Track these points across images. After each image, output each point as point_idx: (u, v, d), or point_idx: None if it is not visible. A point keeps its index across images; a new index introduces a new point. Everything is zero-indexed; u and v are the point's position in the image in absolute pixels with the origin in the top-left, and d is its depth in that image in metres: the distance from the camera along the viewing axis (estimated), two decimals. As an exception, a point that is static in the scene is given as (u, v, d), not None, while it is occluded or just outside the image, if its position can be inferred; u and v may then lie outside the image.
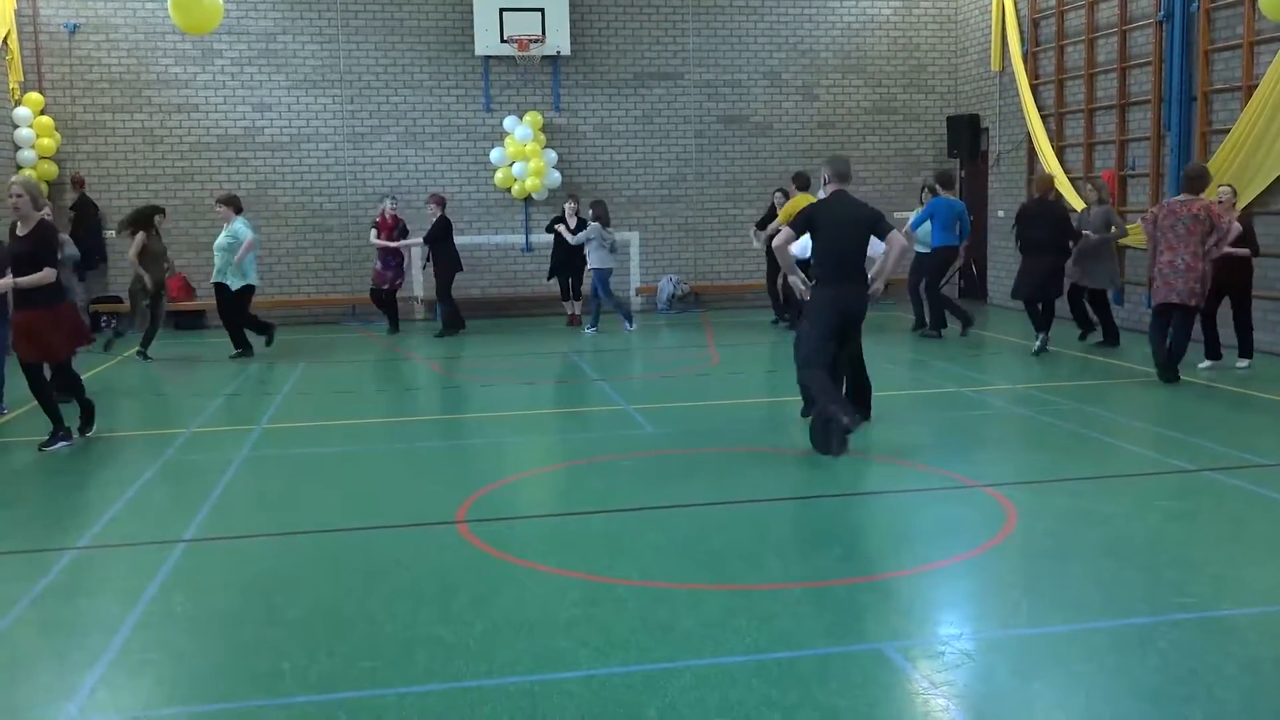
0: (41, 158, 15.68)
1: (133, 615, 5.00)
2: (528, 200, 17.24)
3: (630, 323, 15.11)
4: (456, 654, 4.50)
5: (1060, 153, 15.52)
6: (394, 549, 5.97)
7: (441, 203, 15.05)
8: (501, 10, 16.48)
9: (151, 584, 5.41)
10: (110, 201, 16.10)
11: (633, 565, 5.56)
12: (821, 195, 8.29)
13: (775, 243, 8.03)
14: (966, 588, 5.30)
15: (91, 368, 10.76)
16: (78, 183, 15.87)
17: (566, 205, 15.61)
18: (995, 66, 17.22)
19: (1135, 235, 12.82)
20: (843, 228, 7.90)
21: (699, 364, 12.44)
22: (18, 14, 15.57)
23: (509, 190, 17.15)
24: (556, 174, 17.03)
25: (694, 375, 11.69)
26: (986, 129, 17.81)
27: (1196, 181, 10.21)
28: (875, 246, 8.31)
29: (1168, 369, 10.22)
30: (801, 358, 8.14)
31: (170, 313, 16.34)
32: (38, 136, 15.60)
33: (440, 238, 14.84)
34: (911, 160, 18.49)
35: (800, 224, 7.98)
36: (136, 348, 13.26)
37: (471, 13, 16.65)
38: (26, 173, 15.51)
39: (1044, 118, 15.90)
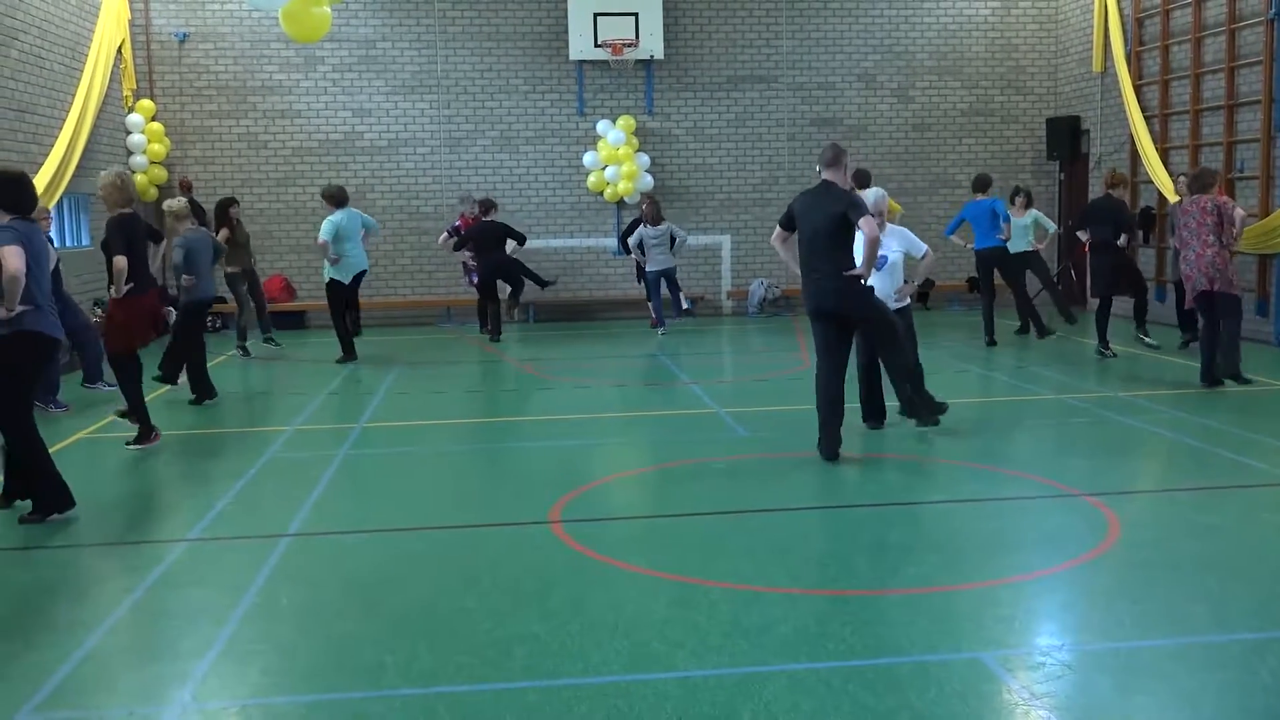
0: (152, 162, 16.22)
1: (240, 607, 5.16)
2: (620, 204, 17.33)
3: (664, 326, 15.16)
4: (552, 652, 4.56)
5: (1164, 155, 15.13)
6: (490, 547, 6.06)
7: (485, 207, 14.91)
8: (596, 15, 16.61)
9: (258, 577, 5.57)
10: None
11: (727, 568, 5.57)
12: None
13: (772, 240, 8.02)
14: (1068, 598, 5.21)
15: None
16: (185, 186, 16.36)
17: (644, 209, 15.71)
18: (1097, 67, 16.85)
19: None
20: (810, 219, 7.56)
21: (790, 367, 12.38)
22: (131, 24, 16.13)
23: (601, 194, 17.26)
24: (649, 177, 17.10)
25: (785, 379, 11.64)
26: (1087, 131, 17.44)
27: (1198, 182, 10.49)
28: (915, 247, 8.41)
29: (1206, 373, 10.28)
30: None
31: (270, 312, 16.79)
32: (149, 142, 16.15)
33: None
34: (1009, 163, 18.17)
35: (785, 218, 7.82)
36: (264, 337, 13.77)
37: (566, 17, 16.81)
38: (138, 178, 16.04)
39: (1148, 119, 15.51)
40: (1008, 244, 13.55)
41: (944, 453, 8.11)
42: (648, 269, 14.88)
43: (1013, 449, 8.35)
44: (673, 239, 14.81)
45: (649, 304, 15.48)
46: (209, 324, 15.72)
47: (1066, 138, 17.46)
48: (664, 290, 15.09)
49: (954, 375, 11.71)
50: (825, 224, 7.51)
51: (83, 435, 9.11)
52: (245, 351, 13.58)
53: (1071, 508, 6.60)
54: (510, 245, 14.72)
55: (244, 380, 12.18)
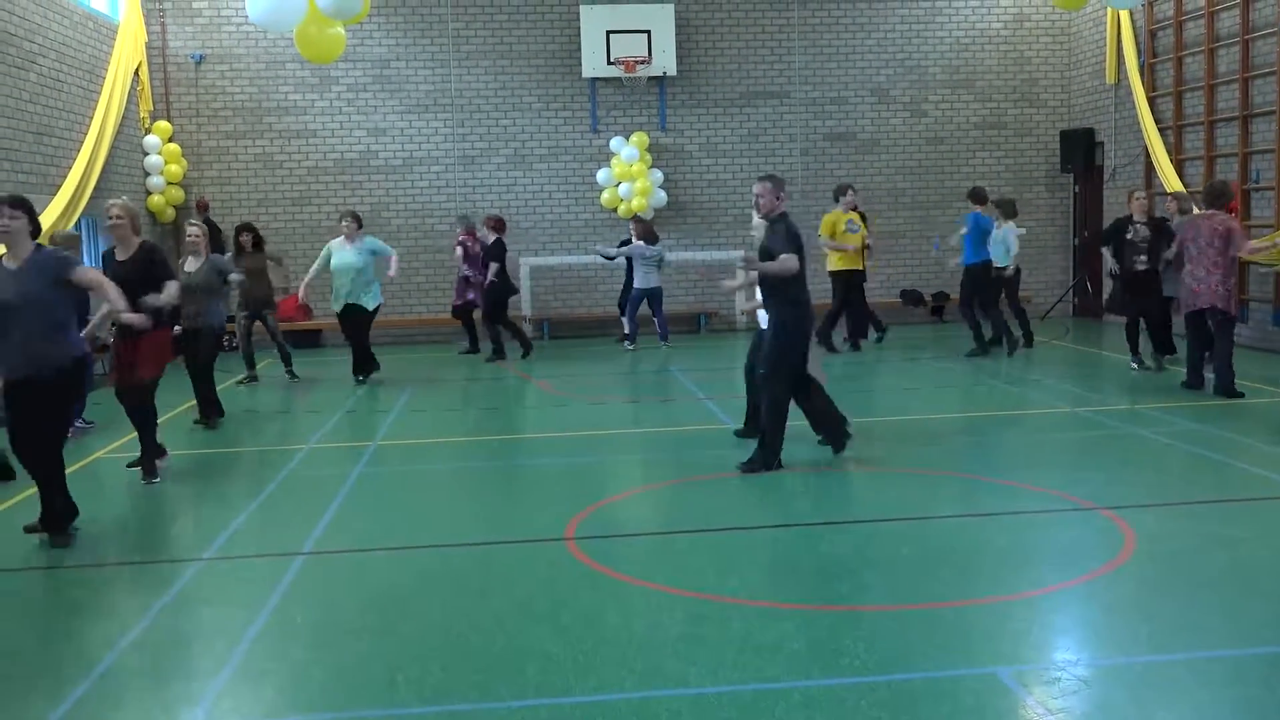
0: (169, 183, 16.34)
1: (255, 625, 5.17)
2: (634, 220, 17.32)
3: (631, 343, 15.36)
4: (565, 669, 4.55)
5: (1179, 166, 15.09)
6: (504, 564, 6.07)
7: (497, 226, 14.57)
8: (608, 33, 16.68)
9: (273, 595, 5.59)
10: (232, 225, 16.59)
11: (741, 584, 5.56)
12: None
13: (790, 266, 7.77)
14: (1083, 612, 5.18)
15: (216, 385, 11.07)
16: (202, 207, 16.47)
17: (638, 228, 15.83)
18: (1110, 79, 16.83)
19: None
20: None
21: (805, 383, 12.35)
22: (148, 46, 16.28)
23: (615, 210, 17.29)
24: (662, 193, 17.13)
25: (800, 394, 11.60)
26: (1101, 143, 17.40)
27: (1217, 199, 10.42)
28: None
29: (1194, 374, 10.67)
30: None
31: (286, 333, 16.84)
32: (166, 163, 16.27)
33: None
34: (1023, 176, 18.15)
35: (798, 247, 7.87)
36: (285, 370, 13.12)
37: (579, 36, 16.88)
38: (155, 198, 16.18)
39: (1162, 131, 15.47)
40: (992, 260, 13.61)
41: (957, 466, 8.09)
42: (636, 285, 15.18)
43: (1026, 462, 8.30)
44: (660, 260, 15.15)
45: (623, 319, 15.74)
46: (224, 344, 15.71)
47: (1081, 150, 17.43)
48: (640, 309, 15.40)
49: (969, 388, 11.69)
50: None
51: (101, 454, 9.16)
52: (253, 379, 12.96)
53: (1086, 521, 6.57)
54: (494, 268, 14.32)
55: (261, 399, 12.22)
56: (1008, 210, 13.84)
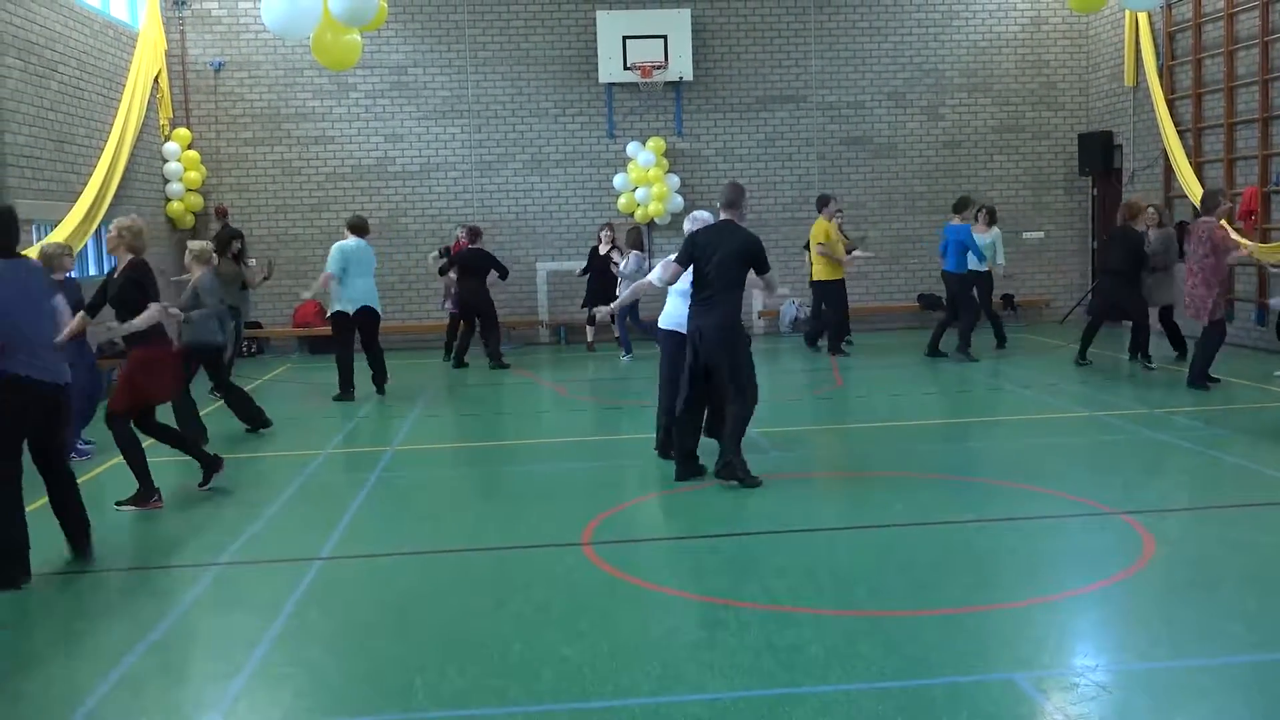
0: (188, 190, 16.42)
1: (272, 629, 5.19)
2: (650, 225, 17.35)
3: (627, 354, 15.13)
4: (582, 674, 4.55)
5: (1199, 169, 15.00)
6: (521, 569, 6.08)
7: (473, 235, 14.56)
8: (625, 38, 16.69)
9: (290, 600, 5.61)
10: (251, 231, 16.70)
11: (757, 589, 5.55)
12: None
13: (667, 278, 7.93)
14: (1102, 617, 5.15)
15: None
16: (221, 213, 16.55)
17: (602, 233, 15.76)
18: (1129, 82, 16.74)
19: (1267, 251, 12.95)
20: (718, 253, 7.54)
21: (822, 387, 12.35)
22: (168, 54, 16.37)
23: (631, 215, 17.30)
24: (679, 198, 17.13)
25: (817, 398, 11.61)
26: (1120, 146, 17.31)
27: (1204, 204, 10.93)
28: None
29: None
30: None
31: (304, 338, 16.96)
32: (185, 170, 16.35)
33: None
34: (1041, 179, 18.08)
35: (684, 255, 7.74)
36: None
37: (595, 41, 16.90)
38: (174, 205, 16.27)
39: (1181, 133, 15.38)
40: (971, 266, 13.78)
41: (975, 471, 8.06)
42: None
43: (1044, 467, 8.26)
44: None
45: (616, 330, 15.66)
46: (245, 349, 15.77)
47: (1099, 153, 17.35)
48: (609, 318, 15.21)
49: (984, 392, 11.66)
50: (733, 260, 7.60)
51: (117, 461, 9.19)
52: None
53: (1105, 526, 6.53)
54: (491, 276, 14.32)
55: (277, 405, 12.25)
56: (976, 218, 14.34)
